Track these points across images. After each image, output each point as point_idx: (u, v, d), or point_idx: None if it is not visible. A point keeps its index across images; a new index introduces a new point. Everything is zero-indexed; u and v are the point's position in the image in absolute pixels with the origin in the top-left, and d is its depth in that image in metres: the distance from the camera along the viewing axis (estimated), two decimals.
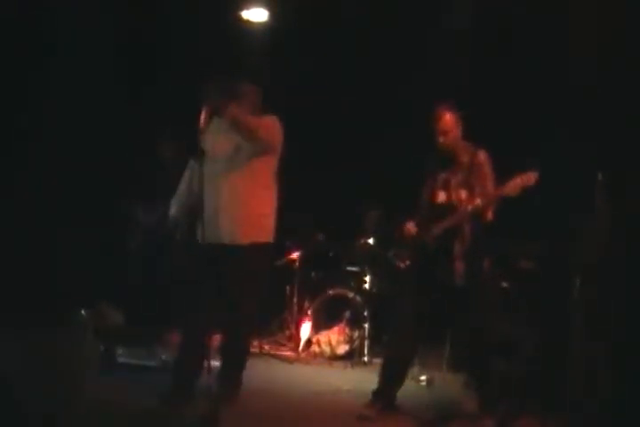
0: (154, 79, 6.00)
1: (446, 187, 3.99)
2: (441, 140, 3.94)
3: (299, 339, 5.96)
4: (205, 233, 3.76)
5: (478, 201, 3.80)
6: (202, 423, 3.46)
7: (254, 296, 4.00)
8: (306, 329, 5.92)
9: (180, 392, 3.89)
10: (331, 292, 5.96)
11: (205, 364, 3.69)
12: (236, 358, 4.07)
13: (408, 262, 4.06)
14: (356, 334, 5.70)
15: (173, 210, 4.31)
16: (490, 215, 3.85)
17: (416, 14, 5.74)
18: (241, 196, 3.96)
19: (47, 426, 2.61)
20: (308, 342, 5.90)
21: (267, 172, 4.09)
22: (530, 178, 3.68)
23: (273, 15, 5.98)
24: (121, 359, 4.78)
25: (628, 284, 3.70)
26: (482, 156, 3.97)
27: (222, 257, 3.92)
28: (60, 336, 2.72)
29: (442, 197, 4.00)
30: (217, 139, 4.00)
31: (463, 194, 3.91)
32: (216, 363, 3.97)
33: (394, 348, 4.13)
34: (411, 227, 4.08)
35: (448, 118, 3.94)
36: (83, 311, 2.86)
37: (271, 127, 4.03)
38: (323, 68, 6.24)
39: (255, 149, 3.97)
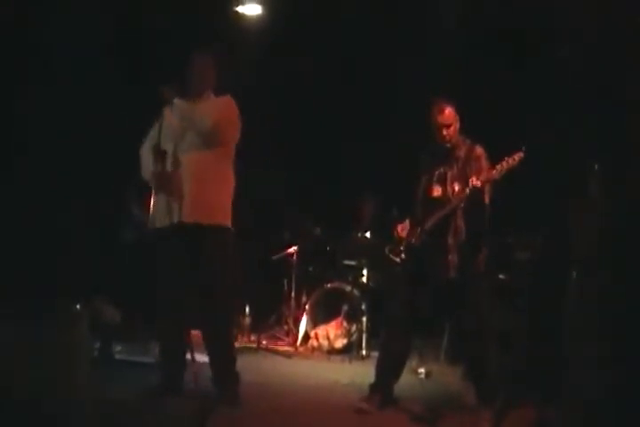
0: (148, 75, 5.97)
1: (442, 181, 3.98)
2: (444, 132, 3.94)
3: (296, 333, 5.96)
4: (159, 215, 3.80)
5: (466, 190, 3.79)
6: (200, 420, 3.46)
7: (228, 281, 3.89)
8: (303, 323, 5.93)
9: (167, 387, 3.88)
10: (328, 286, 5.96)
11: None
12: (222, 353, 3.94)
13: (403, 257, 4.05)
14: (354, 327, 5.70)
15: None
16: (485, 200, 3.82)
17: (411, 9, 5.72)
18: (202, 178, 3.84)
19: (34, 410, 2.61)
20: (306, 336, 5.91)
21: (221, 160, 3.95)
22: (514, 159, 3.69)
23: (267, 10, 5.97)
24: (118, 356, 4.79)
25: (627, 275, 3.68)
26: (478, 149, 3.97)
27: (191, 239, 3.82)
28: (53, 329, 2.72)
29: (437, 191, 3.99)
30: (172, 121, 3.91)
31: (458, 187, 3.90)
32: (204, 358, 3.95)
33: (389, 342, 4.12)
34: (402, 229, 4.08)
35: (449, 111, 3.95)
36: (77, 306, 2.86)
37: (227, 122, 3.88)
38: (319, 65, 6.23)
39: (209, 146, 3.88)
